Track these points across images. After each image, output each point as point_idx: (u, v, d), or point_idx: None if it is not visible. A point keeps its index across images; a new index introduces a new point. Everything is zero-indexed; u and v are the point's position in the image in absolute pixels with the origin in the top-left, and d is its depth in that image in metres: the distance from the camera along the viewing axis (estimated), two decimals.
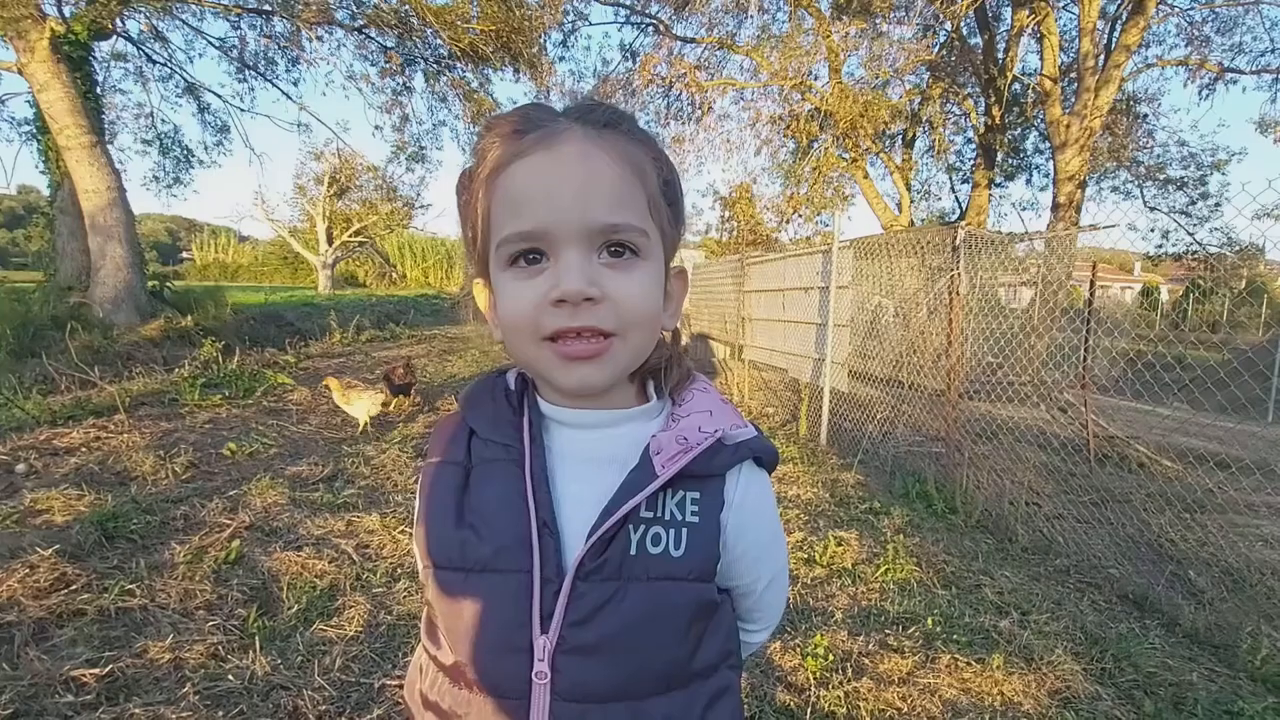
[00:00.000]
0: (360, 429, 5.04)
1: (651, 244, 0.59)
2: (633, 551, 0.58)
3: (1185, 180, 14.51)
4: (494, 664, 0.60)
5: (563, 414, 0.64)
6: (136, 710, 1.80)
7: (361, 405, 5.02)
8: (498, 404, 0.66)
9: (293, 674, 2.03)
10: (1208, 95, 13.55)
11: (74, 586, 2.39)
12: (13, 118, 10.80)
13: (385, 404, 5.33)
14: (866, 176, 15.16)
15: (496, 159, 0.57)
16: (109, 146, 9.07)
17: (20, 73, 7.97)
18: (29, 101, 8.88)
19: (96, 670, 1.93)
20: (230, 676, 1.99)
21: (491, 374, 0.70)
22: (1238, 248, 14.61)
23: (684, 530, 0.60)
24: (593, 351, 0.56)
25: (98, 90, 9.37)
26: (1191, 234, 14.87)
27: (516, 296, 0.57)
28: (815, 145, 14.79)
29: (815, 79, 14.41)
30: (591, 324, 0.55)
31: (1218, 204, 14.20)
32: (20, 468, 3.67)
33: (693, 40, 14.82)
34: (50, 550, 2.53)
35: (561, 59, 14.73)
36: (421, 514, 0.65)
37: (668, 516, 0.60)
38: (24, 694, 1.83)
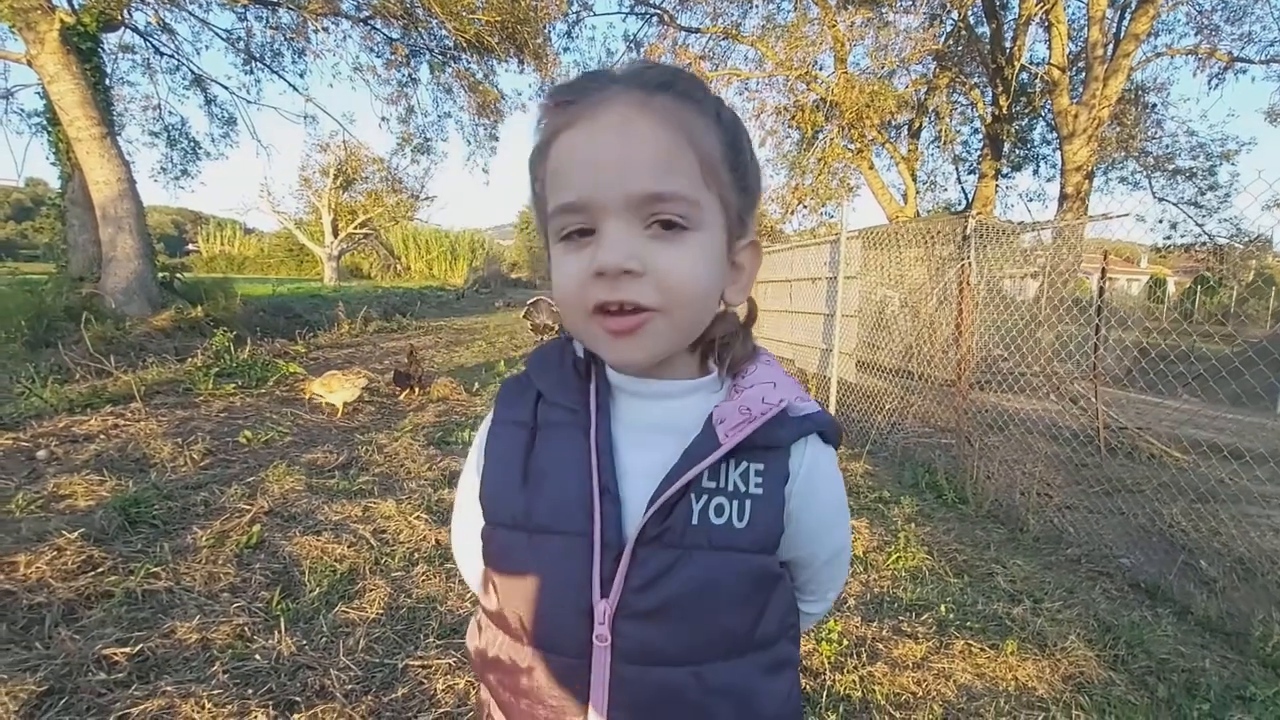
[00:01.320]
0: (339, 413, 5.26)
1: (705, 214, 0.56)
2: (695, 521, 0.58)
3: (1194, 171, 14.45)
4: (554, 625, 0.60)
5: (628, 383, 0.63)
6: (168, 688, 1.83)
7: (343, 391, 5.25)
8: (564, 370, 0.66)
9: (318, 654, 2.07)
10: (1217, 85, 13.47)
11: (100, 569, 2.43)
12: (22, 110, 10.85)
13: (369, 389, 5.62)
14: (872, 167, 15.10)
15: (544, 133, 0.58)
16: (118, 138, 9.10)
17: (30, 65, 8.00)
18: (39, 93, 8.93)
19: (127, 649, 1.97)
20: (257, 656, 2.03)
21: (559, 339, 0.69)
22: (1246, 239, 14.54)
23: (747, 501, 0.59)
24: (629, 326, 0.55)
25: (106, 82, 9.39)
26: (1200, 225, 14.80)
27: (564, 271, 0.57)
28: (820, 136, 14.74)
29: (820, 69, 14.37)
30: (630, 298, 0.54)
31: (1227, 195, 14.14)
32: (42, 454, 3.72)
33: (697, 30, 14.76)
34: (76, 534, 2.57)
35: (566, 50, 14.68)
36: (485, 472, 0.66)
37: (731, 488, 0.59)
38: (57, 672, 1.87)
